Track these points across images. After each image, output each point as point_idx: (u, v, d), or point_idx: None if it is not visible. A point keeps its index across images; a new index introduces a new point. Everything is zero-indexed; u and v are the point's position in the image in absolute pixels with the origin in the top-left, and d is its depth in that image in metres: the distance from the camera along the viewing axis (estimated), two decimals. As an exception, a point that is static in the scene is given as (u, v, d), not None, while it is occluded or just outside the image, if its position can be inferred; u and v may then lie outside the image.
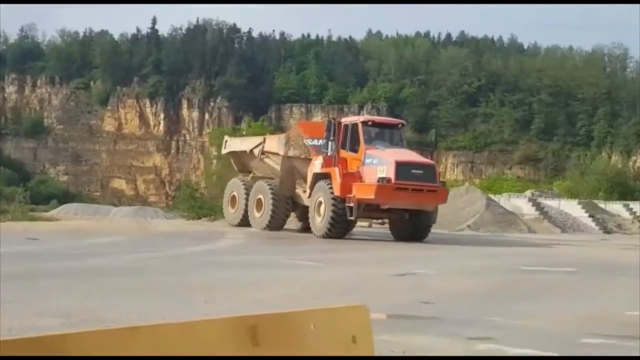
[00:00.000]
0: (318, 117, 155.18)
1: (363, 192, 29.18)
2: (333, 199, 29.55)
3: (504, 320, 10.93)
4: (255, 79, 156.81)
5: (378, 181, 28.70)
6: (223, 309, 10.59)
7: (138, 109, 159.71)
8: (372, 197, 28.93)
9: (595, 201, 62.35)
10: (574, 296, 14.81)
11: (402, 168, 29.01)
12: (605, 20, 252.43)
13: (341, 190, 29.30)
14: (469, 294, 14.29)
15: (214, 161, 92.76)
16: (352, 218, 29.50)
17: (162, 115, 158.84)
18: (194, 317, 9.03)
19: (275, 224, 33.89)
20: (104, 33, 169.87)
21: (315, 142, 32.29)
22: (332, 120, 31.91)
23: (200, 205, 72.85)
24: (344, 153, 30.71)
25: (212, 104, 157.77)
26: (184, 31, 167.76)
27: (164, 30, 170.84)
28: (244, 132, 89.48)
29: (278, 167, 34.31)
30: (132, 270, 17.10)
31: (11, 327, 8.83)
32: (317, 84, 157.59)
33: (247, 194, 35.64)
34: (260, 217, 34.45)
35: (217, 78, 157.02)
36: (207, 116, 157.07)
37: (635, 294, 14.80)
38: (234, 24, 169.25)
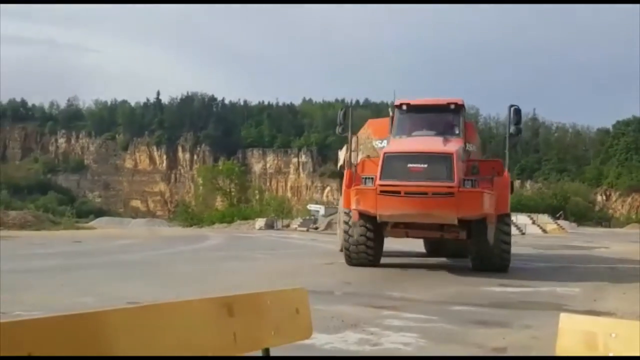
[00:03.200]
0: (270, 158, 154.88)
1: (353, 199, 14.88)
2: (344, 213, 16.25)
3: (398, 294, 10.88)
4: (227, 132, 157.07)
5: (361, 183, 14.61)
6: (208, 290, 10.43)
7: (148, 152, 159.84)
8: (354, 205, 14.75)
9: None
10: (437, 280, 14.79)
11: (391, 162, 13.98)
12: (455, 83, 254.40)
13: (345, 200, 15.61)
14: (373, 277, 14.25)
15: (200, 187, 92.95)
16: (355, 237, 15.49)
17: (164, 157, 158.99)
18: (187, 297, 8.91)
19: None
20: (124, 102, 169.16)
21: (384, 143, 16.78)
22: (346, 108, 16.96)
23: (191, 217, 72.69)
24: None
25: (198, 148, 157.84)
26: (178, 100, 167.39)
27: (165, 99, 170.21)
28: (220, 167, 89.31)
29: None
30: (144, 263, 16.85)
31: (65, 305, 8.61)
32: (269, 135, 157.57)
33: None
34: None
35: (201, 131, 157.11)
36: (195, 157, 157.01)
37: (450, 276, 14.78)
38: (212, 95, 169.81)
